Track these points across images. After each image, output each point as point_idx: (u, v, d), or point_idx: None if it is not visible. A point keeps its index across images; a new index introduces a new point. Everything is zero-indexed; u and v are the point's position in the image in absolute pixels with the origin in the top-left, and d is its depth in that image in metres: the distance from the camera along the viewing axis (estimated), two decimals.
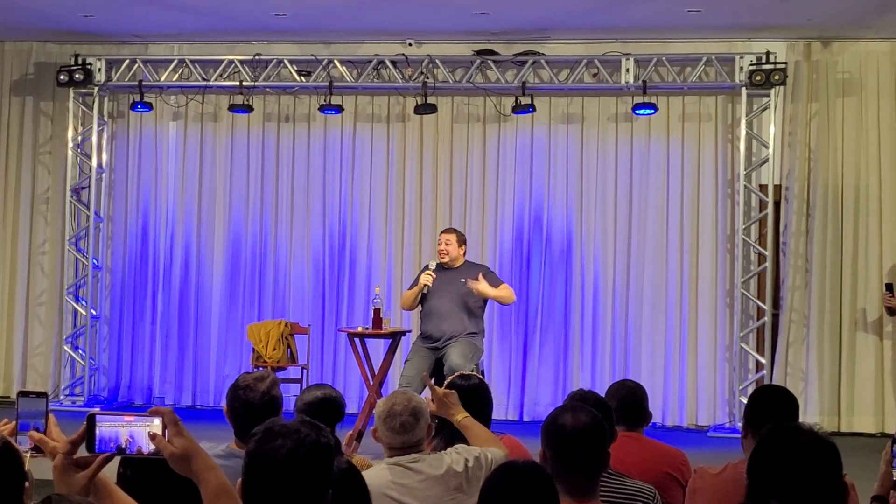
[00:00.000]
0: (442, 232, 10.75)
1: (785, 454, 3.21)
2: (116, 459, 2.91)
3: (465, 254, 10.50)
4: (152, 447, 2.76)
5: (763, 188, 12.25)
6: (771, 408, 4.88)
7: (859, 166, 12.18)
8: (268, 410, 4.77)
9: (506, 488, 3.51)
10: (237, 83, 12.74)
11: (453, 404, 5.19)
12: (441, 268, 10.34)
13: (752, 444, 4.13)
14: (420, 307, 10.49)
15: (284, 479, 2.91)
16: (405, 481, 4.70)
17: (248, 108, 12.80)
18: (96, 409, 3.55)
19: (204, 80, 12.90)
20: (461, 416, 5.17)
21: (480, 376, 5.96)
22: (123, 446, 2.77)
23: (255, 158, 13.25)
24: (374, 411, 9.97)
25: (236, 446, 4.78)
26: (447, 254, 10.31)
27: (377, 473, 4.75)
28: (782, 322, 12.26)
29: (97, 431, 2.76)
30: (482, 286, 10.11)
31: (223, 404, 5.08)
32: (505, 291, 10.35)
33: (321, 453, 2.95)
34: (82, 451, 2.81)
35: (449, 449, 4.97)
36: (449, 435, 5.31)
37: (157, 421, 2.77)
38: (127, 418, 2.78)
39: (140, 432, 2.77)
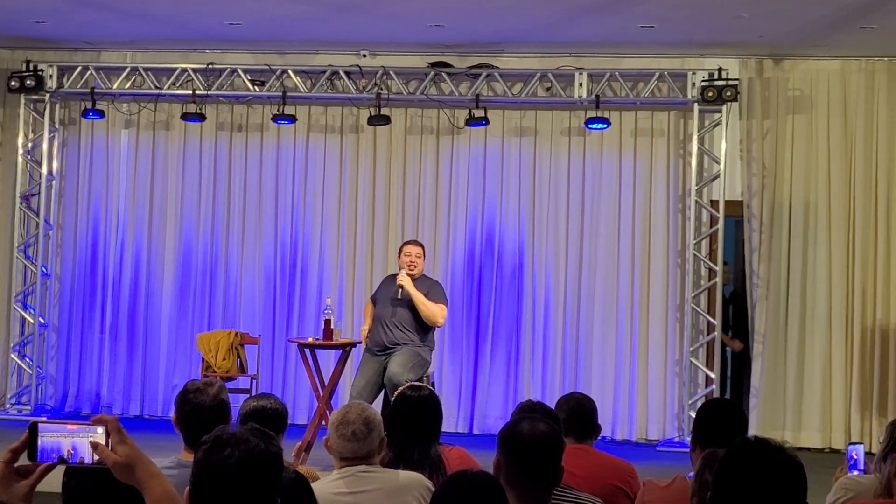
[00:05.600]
0: (409, 243, 10.58)
1: (755, 470, 3.17)
2: (60, 469, 2.88)
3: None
4: (95, 457, 2.73)
5: (714, 204, 12.32)
6: (719, 421, 4.90)
7: (809, 183, 12.26)
8: (218, 415, 4.78)
9: (456, 497, 3.51)
10: (190, 92, 12.68)
11: None
12: (394, 278, 10.31)
13: (700, 457, 4.17)
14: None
15: (234, 488, 2.89)
16: (356, 491, 4.69)
17: (200, 117, 12.74)
18: (41, 419, 3.52)
19: (157, 88, 12.84)
20: None
21: (431, 387, 5.95)
22: (66, 456, 2.73)
23: (208, 168, 13.20)
24: (324, 422, 9.95)
25: (185, 455, 4.76)
26: (416, 267, 10.24)
27: (327, 483, 4.74)
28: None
29: (39, 441, 2.73)
30: (409, 284, 10.05)
31: (171, 414, 5.05)
32: (434, 307, 10.03)
33: (270, 462, 2.94)
34: (24, 460, 2.78)
35: (405, 470, 4.97)
36: (399, 448, 5.31)
37: (101, 430, 2.73)
38: (70, 427, 2.75)
39: (83, 442, 2.73)
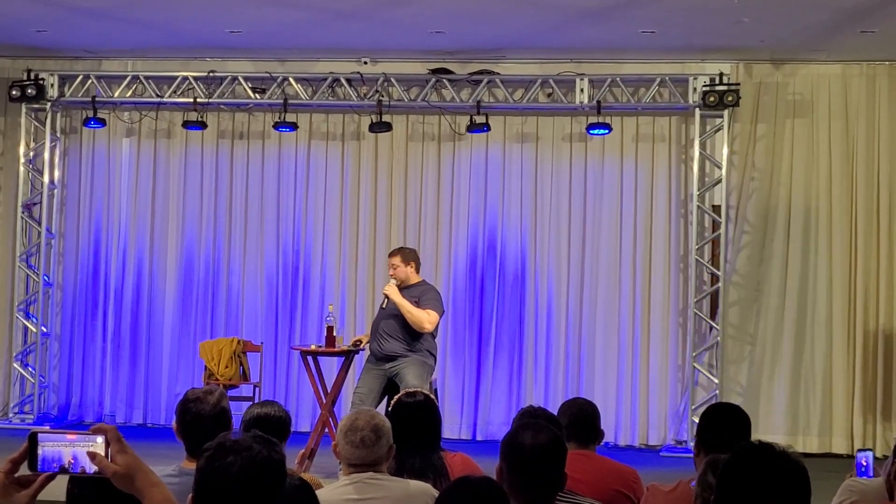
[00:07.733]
0: (390, 254, 10.54)
1: (758, 475, 3.16)
2: (64, 479, 2.87)
3: (417, 270, 10.31)
4: (95, 466, 2.72)
5: (716, 208, 12.32)
6: (723, 426, 4.89)
7: (810, 188, 12.26)
8: (219, 422, 4.77)
9: (460, 502, 3.50)
10: (191, 100, 12.68)
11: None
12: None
13: (704, 462, 4.16)
14: None
15: (236, 495, 2.89)
16: (364, 497, 4.68)
17: (202, 125, 12.75)
18: (45, 428, 3.54)
19: (158, 96, 12.84)
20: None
21: (427, 392, 5.94)
22: (66, 466, 2.72)
23: (209, 175, 13.20)
24: (327, 430, 9.97)
25: (187, 463, 4.75)
26: (396, 276, 10.22)
27: (336, 488, 4.73)
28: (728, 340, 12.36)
29: (40, 450, 2.72)
30: (393, 293, 10.02)
31: (173, 423, 5.04)
32: (420, 313, 9.90)
33: (273, 469, 2.94)
34: (24, 470, 2.77)
35: (414, 480, 4.96)
36: (400, 456, 5.30)
37: (100, 439, 2.72)
38: (70, 437, 2.73)
39: (83, 452, 2.73)
